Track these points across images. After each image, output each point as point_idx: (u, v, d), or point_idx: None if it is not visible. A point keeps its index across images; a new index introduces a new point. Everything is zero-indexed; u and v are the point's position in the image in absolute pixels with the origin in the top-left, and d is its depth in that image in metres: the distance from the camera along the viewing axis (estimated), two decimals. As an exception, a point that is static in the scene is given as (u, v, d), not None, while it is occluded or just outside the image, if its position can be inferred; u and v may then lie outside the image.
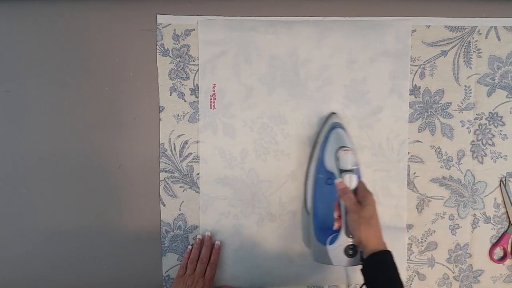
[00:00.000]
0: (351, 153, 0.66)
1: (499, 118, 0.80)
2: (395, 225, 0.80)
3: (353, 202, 0.63)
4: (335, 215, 0.66)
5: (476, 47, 0.79)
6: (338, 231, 0.65)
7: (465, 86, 0.79)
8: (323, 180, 0.72)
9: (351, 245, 0.64)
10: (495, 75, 0.79)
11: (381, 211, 0.79)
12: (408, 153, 0.80)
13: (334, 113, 0.77)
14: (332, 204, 0.67)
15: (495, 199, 0.81)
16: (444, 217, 0.81)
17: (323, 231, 0.70)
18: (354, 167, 0.66)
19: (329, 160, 0.70)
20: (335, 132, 0.71)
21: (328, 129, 0.73)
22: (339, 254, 0.65)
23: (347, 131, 0.73)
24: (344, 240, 0.65)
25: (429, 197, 0.81)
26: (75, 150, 0.76)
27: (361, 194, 0.64)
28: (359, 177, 0.66)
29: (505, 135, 0.80)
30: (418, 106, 0.79)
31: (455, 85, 0.79)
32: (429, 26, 0.78)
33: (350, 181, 0.65)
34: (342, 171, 0.66)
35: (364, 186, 0.66)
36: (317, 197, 0.74)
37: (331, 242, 0.66)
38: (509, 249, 0.82)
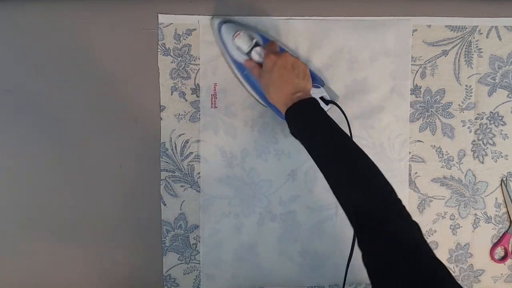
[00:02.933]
0: (242, 33, 0.67)
1: (500, 118, 0.80)
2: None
3: (257, 74, 0.66)
4: None
5: (477, 46, 0.79)
6: None
7: (466, 85, 0.79)
8: (249, 74, 0.72)
9: None
10: (496, 74, 0.79)
11: (382, 210, 0.80)
12: (409, 152, 0.80)
13: (214, 16, 0.74)
14: None
15: (496, 198, 0.81)
16: (445, 217, 0.81)
17: (279, 112, 0.69)
18: (254, 41, 0.67)
19: (237, 54, 0.70)
20: (223, 30, 0.71)
21: (217, 32, 0.72)
22: None
23: (233, 20, 0.73)
24: None
25: (430, 197, 0.81)
26: (75, 150, 0.76)
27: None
28: (263, 46, 0.67)
29: (506, 134, 0.80)
30: (419, 106, 0.79)
31: (456, 85, 0.79)
32: (430, 25, 0.78)
33: (258, 56, 0.67)
34: (249, 53, 0.68)
35: (266, 50, 0.65)
36: (258, 91, 0.73)
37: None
38: (510, 249, 0.82)
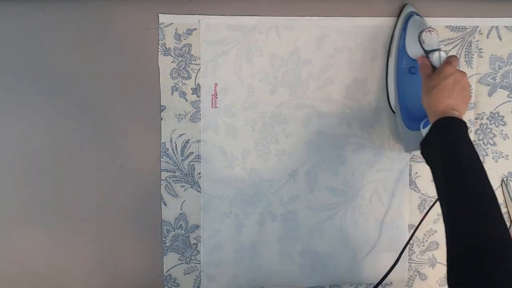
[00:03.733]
0: (435, 33, 0.66)
1: (500, 118, 0.80)
2: (397, 225, 0.80)
3: (425, 74, 0.64)
4: None
5: (477, 47, 0.79)
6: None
7: (466, 86, 0.79)
8: (406, 70, 0.72)
9: None
10: (496, 75, 0.79)
11: (382, 211, 0.80)
12: (410, 153, 0.80)
13: (406, 3, 0.75)
14: (419, 92, 0.66)
15: (497, 198, 0.81)
16: (445, 217, 0.81)
17: (413, 120, 0.69)
18: (440, 46, 0.66)
19: (412, 47, 0.69)
20: (413, 20, 0.70)
21: (405, 18, 0.72)
22: None
23: (423, 19, 0.72)
24: None
25: (430, 197, 0.81)
26: (75, 150, 0.76)
27: (439, 66, 0.64)
28: (447, 55, 0.66)
29: (506, 134, 0.80)
30: (420, 106, 0.79)
31: (456, 85, 0.79)
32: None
33: (440, 59, 0.65)
34: (428, 52, 0.66)
35: (448, 59, 0.63)
36: (401, 88, 0.72)
37: (425, 125, 0.65)
38: (510, 249, 0.82)
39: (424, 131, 0.64)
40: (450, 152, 0.57)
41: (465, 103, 0.63)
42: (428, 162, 0.61)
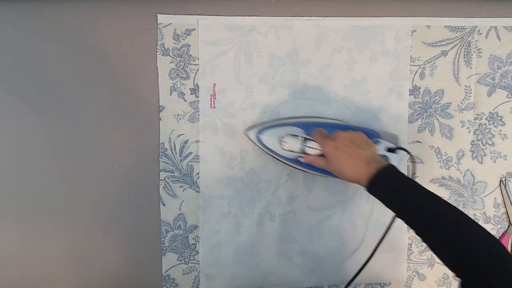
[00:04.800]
0: (286, 138, 0.69)
1: (499, 118, 0.80)
2: (395, 226, 0.80)
3: (321, 164, 0.66)
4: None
5: (476, 47, 0.79)
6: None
7: (465, 86, 0.79)
8: (302, 164, 0.72)
9: None
10: (495, 75, 0.79)
11: (381, 211, 0.80)
12: (408, 153, 0.80)
13: (246, 130, 0.75)
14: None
15: (495, 199, 0.81)
16: (444, 217, 0.81)
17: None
18: (301, 139, 0.68)
19: (289, 155, 0.71)
20: (264, 140, 0.72)
21: (261, 145, 0.73)
22: None
23: (265, 126, 0.73)
24: None
25: (429, 197, 0.81)
26: (75, 150, 0.76)
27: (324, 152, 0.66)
28: (311, 139, 0.68)
29: (505, 135, 0.80)
30: (418, 107, 0.79)
31: (455, 85, 0.79)
32: (429, 26, 0.78)
33: (313, 150, 0.68)
34: (302, 151, 0.68)
35: (318, 139, 0.66)
36: (314, 168, 0.73)
37: None
38: (509, 249, 0.82)
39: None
40: (403, 204, 0.58)
41: (366, 147, 0.64)
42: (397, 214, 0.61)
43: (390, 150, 0.71)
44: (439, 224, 0.55)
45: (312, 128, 0.71)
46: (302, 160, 0.70)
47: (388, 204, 0.60)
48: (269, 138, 0.71)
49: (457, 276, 0.52)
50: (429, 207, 0.56)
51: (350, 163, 0.62)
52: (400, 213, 0.59)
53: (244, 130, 0.75)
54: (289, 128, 0.72)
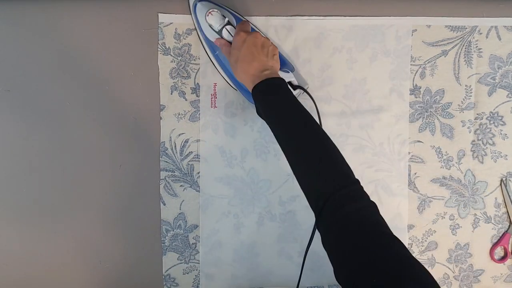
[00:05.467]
0: (215, 12, 0.67)
1: (500, 118, 0.80)
2: (396, 225, 0.80)
3: (226, 53, 0.66)
4: None
5: (477, 46, 0.79)
6: None
7: (465, 85, 0.79)
8: (221, 54, 0.72)
9: None
10: (495, 74, 0.79)
11: (382, 211, 0.80)
12: (409, 153, 0.80)
13: None
14: None
15: (496, 198, 0.81)
16: (444, 217, 0.81)
17: (248, 92, 0.69)
18: (226, 19, 0.67)
19: (209, 33, 0.70)
20: (197, 9, 0.70)
21: (193, 10, 0.72)
22: None
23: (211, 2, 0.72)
24: None
25: (429, 197, 0.81)
26: (75, 149, 0.76)
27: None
28: (234, 26, 0.67)
29: (506, 134, 0.80)
30: (419, 106, 0.79)
31: (456, 85, 0.79)
32: (430, 26, 0.78)
33: (229, 34, 0.67)
34: (220, 31, 0.67)
35: (237, 29, 0.65)
36: (228, 71, 0.73)
37: None
38: (509, 249, 0.82)
39: None
40: (276, 115, 0.58)
41: (270, 58, 0.64)
42: (269, 125, 0.61)
43: (292, 86, 0.70)
44: (307, 146, 0.55)
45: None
46: (214, 40, 0.69)
47: (266, 115, 0.60)
48: (202, 9, 0.70)
49: (313, 210, 0.53)
50: (303, 126, 0.56)
51: (248, 61, 0.62)
52: (274, 127, 0.59)
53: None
54: (226, 12, 0.70)
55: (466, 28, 0.78)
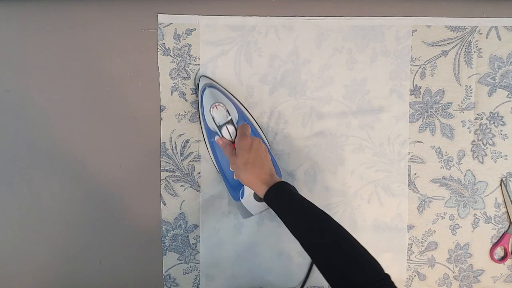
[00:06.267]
0: (221, 107, 0.67)
1: (500, 118, 0.80)
2: (396, 225, 0.80)
3: (229, 153, 0.67)
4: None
5: (477, 47, 0.79)
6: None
7: (465, 86, 0.79)
8: (216, 143, 0.73)
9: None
10: (495, 74, 0.79)
11: (382, 211, 0.80)
12: (409, 153, 0.80)
13: (203, 75, 0.75)
14: None
15: (496, 199, 0.81)
16: (444, 217, 0.81)
17: (235, 189, 0.72)
18: (229, 118, 0.68)
19: (210, 121, 0.71)
20: (206, 94, 0.71)
21: (200, 93, 0.73)
22: (252, 202, 0.68)
23: (218, 87, 0.73)
24: (248, 189, 0.68)
25: (429, 197, 0.81)
26: (75, 150, 0.76)
27: (236, 143, 0.67)
28: (236, 127, 0.68)
29: (506, 134, 0.80)
30: (419, 106, 0.79)
31: (456, 85, 0.79)
32: (430, 26, 0.78)
33: (229, 133, 0.68)
34: (220, 127, 0.68)
35: (240, 131, 0.67)
36: (219, 160, 0.74)
37: (242, 195, 0.69)
38: (509, 249, 0.82)
39: (244, 202, 0.69)
40: (290, 217, 0.61)
41: (269, 161, 0.67)
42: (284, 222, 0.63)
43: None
44: (320, 245, 0.57)
45: (247, 122, 0.72)
46: (216, 138, 0.70)
47: (282, 215, 0.62)
48: (210, 96, 0.71)
49: None
50: (311, 225, 0.59)
51: (258, 164, 0.64)
52: (294, 228, 0.61)
53: (202, 75, 0.75)
54: (231, 106, 0.71)
55: (466, 28, 0.78)
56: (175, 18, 0.74)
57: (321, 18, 0.76)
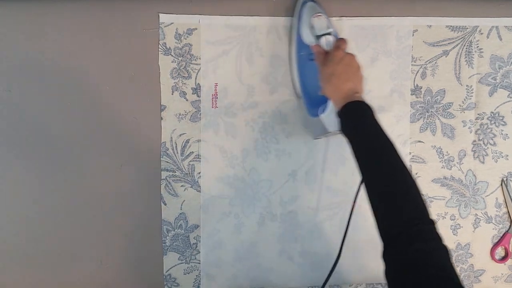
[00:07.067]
0: (323, 17, 0.66)
1: (501, 118, 0.80)
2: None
3: (321, 61, 0.65)
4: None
5: (478, 46, 0.79)
6: (327, 99, 0.66)
7: (466, 85, 0.79)
8: (306, 57, 0.72)
9: None
10: (496, 74, 0.79)
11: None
12: (410, 153, 0.80)
13: None
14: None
15: (497, 199, 0.81)
16: (445, 217, 0.81)
17: (314, 105, 0.70)
18: (330, 30, 0.66)
19: (306, 33, 0.69)
20: (307, 6, 0.70)
21: (300, 6, 0.71)
22: (332, 119, 0.65)
23: (319, 4, 0.72)
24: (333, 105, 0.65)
25: (430, 197, 0.81)
26: (76, 149, 0.76)
27: (330, 52, 0.65)
28: (336, 38, 0.66)
29: (507, 134, 0.80)
30: (420, 106, 0.79)
31: (457, 85, 0.79)
32: (431, 26, 0.78)
33: (327, 43, 0.65)
34: (319, 37, 0.66)
35: (337, 44, 0.65)
36: (303, 75, 0.73)
37: (325, 110, 0.67)
38: (510, 249, 0.82)
39: (323, 117, 0.66)
40: (361, 138, 0.59)
41: (361, 83, 0.64)
42: (350, 142, 0.61)
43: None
44: (386, 176, 0.55)
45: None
46: (313, 45, 0.68)
47: (351, 133, 0.60)
48: (312, 8, 0.69)
49: (381, 237, 0.53)
50: (386, 155, 0.57)
51: (344, 77, 0.62)
52: (357, 147, 0.59)
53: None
54: (331, 24, 0.68)
55: (467, 28, 0.78)
56: (176, 17, 0.74)
57: (322, 17, 0.76)
